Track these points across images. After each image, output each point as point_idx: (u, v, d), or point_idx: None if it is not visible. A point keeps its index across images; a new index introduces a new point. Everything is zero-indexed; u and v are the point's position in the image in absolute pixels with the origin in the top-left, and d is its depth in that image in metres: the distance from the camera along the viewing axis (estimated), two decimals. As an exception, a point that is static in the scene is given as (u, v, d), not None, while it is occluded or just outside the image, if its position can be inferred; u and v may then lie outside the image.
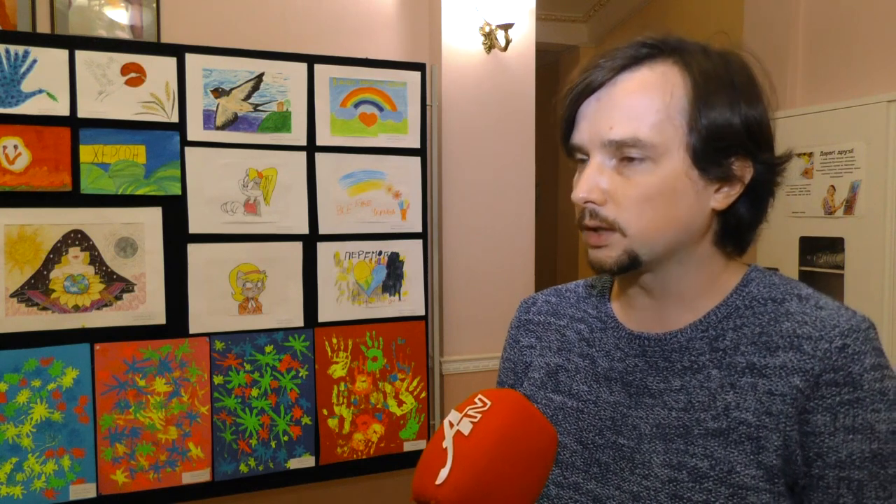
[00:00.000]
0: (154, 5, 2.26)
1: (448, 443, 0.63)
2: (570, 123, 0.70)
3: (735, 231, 0.72)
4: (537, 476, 0.66)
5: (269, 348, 2.07)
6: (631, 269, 0.69)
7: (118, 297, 1.91)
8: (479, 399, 0.67)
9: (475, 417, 0.64)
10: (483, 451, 0.62)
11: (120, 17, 2.24)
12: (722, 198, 0.69)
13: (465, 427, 0.64)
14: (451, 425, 0.65)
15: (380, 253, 2.23)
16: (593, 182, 0.67)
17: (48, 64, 1.82)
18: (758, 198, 0.71)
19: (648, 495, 0.69)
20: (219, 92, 2.00)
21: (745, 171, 0.68)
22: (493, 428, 0.63)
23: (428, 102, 2.30)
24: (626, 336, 0.76)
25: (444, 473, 0.61)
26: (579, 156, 0.71)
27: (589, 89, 0.68)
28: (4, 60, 1.78)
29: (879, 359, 0.64)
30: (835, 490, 0.63)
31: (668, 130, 0.65)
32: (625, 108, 0.65)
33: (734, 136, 0.66)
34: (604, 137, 0.66)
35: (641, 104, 0.65)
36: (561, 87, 0.72)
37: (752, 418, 0.65)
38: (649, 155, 0.65)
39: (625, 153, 0.66)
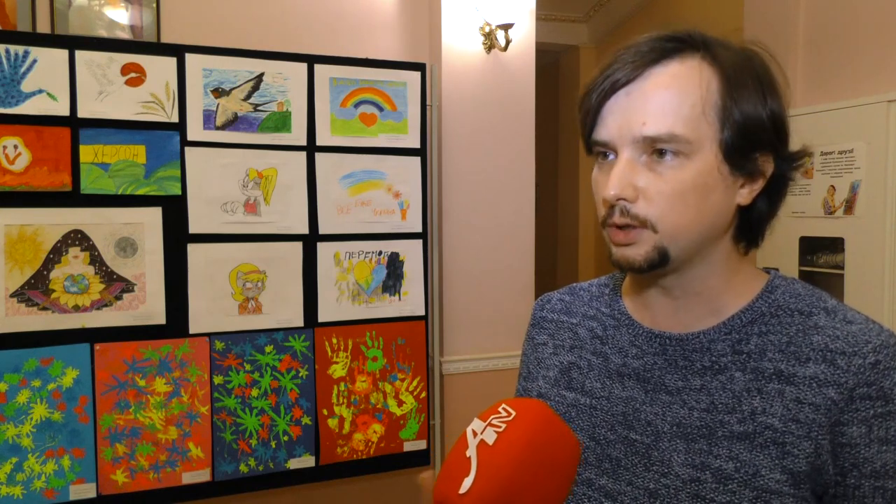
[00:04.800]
0: (154, 5, 2.26)
1: (472, 452, 0.63)
2: (593, 119, 0.68)
3: (752, 226, 0.72)
4: (561, 486, 0.66)
5: (269, 348, 2.07)
6: (660, 266, 0.68)
7: (118, 297, 1.91)
8: (504, 408, 0.67)
9: (499, 427, 0.64)
10: (507, 461, 0.62)
11: (120, 17, 2.24)
12: (747, 193, 0.69)
13: (490, 436, 0.63)
14: (475, 434, 0.64)
15: (380, 253, 2.23)
16: (625, 179, 0.65)
17: (48, 64, 1.82)
18: (775, 192, 0.71)
19: (668, 493, 0.69)
20: (219, 92, 2.00)
21: (767, 165, 0.68)
22: (517, 438, 0.63)
23: (428, 102, 2.30)
24: (645, 334, 0.76)
25: (467, 483, 0.61)
26: (603, 151, 0.69)
27: (617, 84, 0.66)
28: (4, 60, 1.78)
29: None
30: (870, 499, 0.64)
31: (703, 126, 0.64)
32: (658, 103, 0.64)
33: (762, 130, 0.66)
34: (636, 133, 0.64)
35: (675, 99, 0.64)
36: (581, 85, 0.70)
37: (779, 424, 0.66)
38: (683, 150, 0.64)
39: (658, 148, 0.64)
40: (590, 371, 0.79)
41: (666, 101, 0.64)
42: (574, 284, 0.91)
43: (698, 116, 0.64)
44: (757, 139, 0.66)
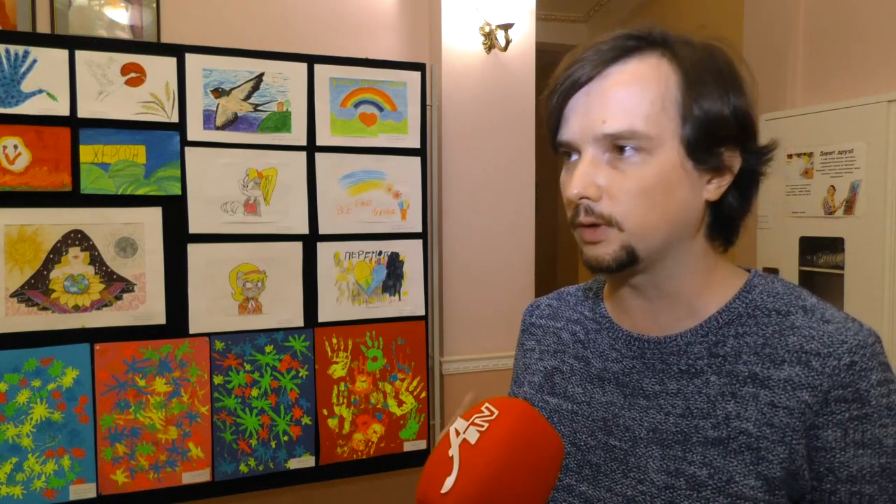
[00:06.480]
0: (154, 5, 2.26)
1: (454, 451, 0.63)
2: (557, 120, 0.69)
3: (725, 223, 0.72)
4: (543, 486, 0.66)
5: (269, 348, 2.07)
6: (629, 266, 0.67)
7: (118, 297, 1.91)
8: (487, 407, 0.66)
9: (482, 426, 0.64)
10: (489, 460, 0.61)
11: (120, 17, 2.24)
12: (714, 189, 0.68)
13: (472, 436, 0.63)
14: (458, 433, 0.64)
15: (380, 253, 2.23)
16: (588, 178, 0.65)
17: (48, 64, 1.81)
18: (746, 188, 0.71)
19: (644, 500, 0.68)
20: (219, 92, 2.00)
21: (734, 161, 0.68)
22: (499, 438, 0.63)
23: (428, 102, 2.30)
24: (624, 337, 0.75)
25: (449, 482, 0.60)
26: (567, 152, 0.69)
27: (577, 84, 0.66)
28: (4, 60, 1.78)
29: (885, 374, 0.64)
30: None
31: (663, 122, 0.64)
32: (617, 101, 0.64)
33: (725, 125, 0.66)
34: (597, 131, 0.65)
35: (634, 96, 0.64)
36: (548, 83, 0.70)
37: (753, 428, 0.64)
38: (644, 147, 0.64)
39: (619, 146, 0.64)
40: (572, 376, 0.79)
41: (625, 98, 0.64)
42: (563, 289, 0.91)
43: (658, 113, 0.64)
44: (719, 134, 0.66)
